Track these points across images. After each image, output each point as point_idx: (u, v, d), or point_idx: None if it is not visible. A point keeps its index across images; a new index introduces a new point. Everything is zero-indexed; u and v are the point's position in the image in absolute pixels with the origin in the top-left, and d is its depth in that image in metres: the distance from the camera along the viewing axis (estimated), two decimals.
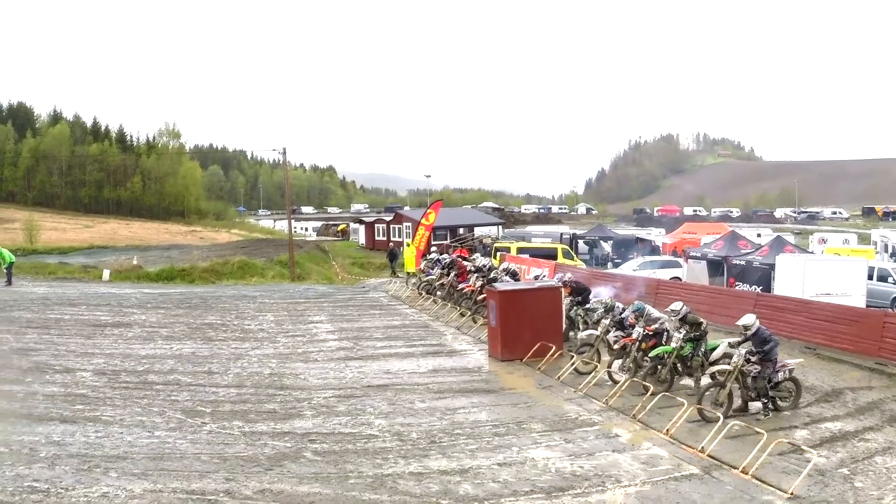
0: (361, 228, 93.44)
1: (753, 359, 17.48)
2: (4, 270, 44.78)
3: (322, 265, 63.87)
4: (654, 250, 65.32)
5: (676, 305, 20.26)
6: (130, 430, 15.98)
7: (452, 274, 36.84)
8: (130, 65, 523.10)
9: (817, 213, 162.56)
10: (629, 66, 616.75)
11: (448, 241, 77.85)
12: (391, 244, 67.17)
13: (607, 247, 67.67)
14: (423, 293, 39.32)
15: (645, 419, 17.10)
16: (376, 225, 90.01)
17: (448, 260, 40.14)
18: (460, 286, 34.77)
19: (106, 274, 49.51)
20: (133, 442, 15.09)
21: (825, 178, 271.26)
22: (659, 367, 19.90)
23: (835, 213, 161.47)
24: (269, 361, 23.78)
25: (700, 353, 19.71)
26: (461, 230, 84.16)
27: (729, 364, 17.91)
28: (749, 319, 17.89)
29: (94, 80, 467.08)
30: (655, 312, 21.56)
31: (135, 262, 55.21)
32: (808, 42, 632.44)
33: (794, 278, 34.06)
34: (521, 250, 55.71)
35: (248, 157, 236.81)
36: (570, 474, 13.84)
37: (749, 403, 17.88)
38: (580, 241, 70.67)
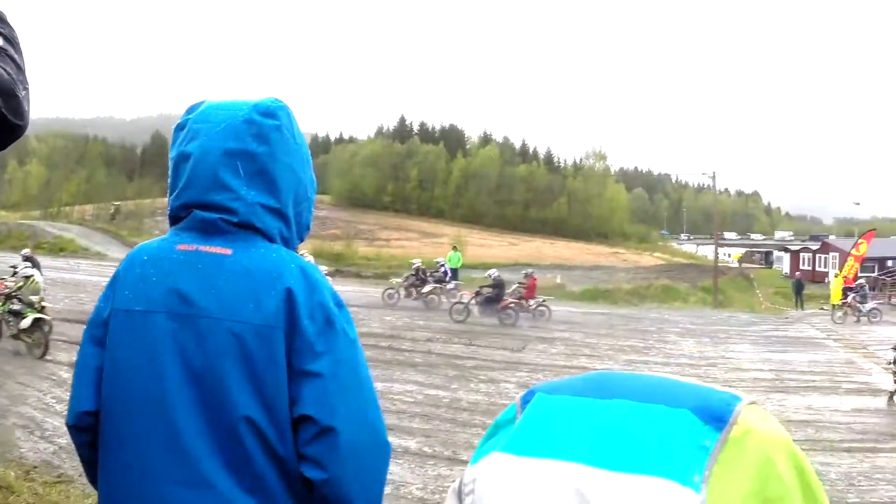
0: (786, 256, 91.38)
1: None
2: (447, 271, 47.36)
3: (745, 293, 62.88)
4: None
5: None
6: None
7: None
8: (557, 91, 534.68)
9: None
10: None
11: (875, 273, 74.85)
12: (797, 273, 64.98)
13: None
14: None
15: None
16: (801, 254, 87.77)
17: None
18: None
19: None
20: None
21: None
22: None
23: None
24: None
25: None
26: (890, 262, 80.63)
27: None
28: None
29: (523, 104, 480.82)
30: None
31: (558, 281, 56.26)
32: None
33: None
34: None
35: (673, 181, 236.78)
36: None
37: None
38: None
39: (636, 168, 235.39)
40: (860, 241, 56.87)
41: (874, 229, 70.38)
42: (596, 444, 1.10)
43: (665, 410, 1.11)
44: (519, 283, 37.07)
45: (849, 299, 43.76)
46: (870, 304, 43.66)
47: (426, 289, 38.89)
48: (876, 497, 14.48)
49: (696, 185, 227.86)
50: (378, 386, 2.94)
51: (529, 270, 38.72)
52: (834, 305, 47.35)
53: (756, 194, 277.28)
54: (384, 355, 24.71)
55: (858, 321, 42.39)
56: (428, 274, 41.22)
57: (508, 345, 29.13)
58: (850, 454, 17.28)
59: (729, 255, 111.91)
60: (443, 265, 42.64)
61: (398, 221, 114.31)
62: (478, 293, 34.48)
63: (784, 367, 28.41)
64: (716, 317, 44.31)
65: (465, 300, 34.59)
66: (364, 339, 3.18)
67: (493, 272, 35.89)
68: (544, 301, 36.53)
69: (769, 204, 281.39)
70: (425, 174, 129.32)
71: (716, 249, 63.46)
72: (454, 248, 52.72)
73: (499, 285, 34.55)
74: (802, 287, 57.62)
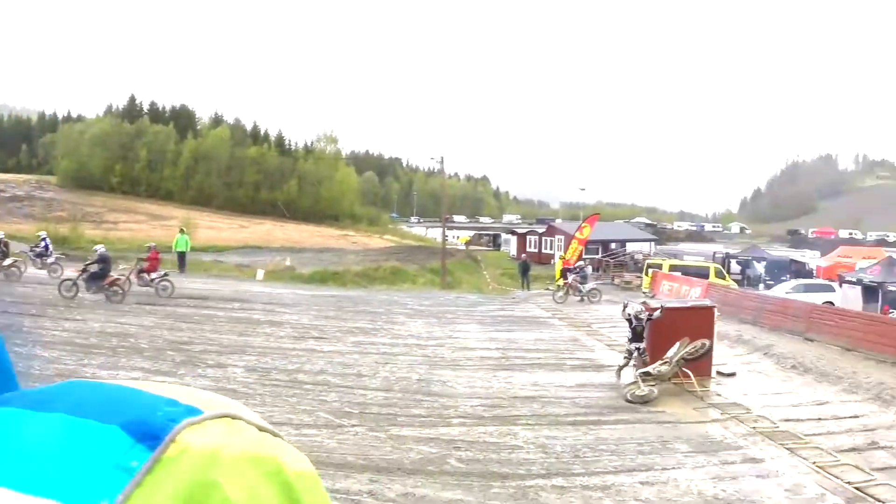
0: (513, 239, 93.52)
1: None
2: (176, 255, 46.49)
3: (473, 274, 64.10)
4: (808, 273, 64.20)
5: None
6: (279, 427, 16.10)
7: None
8: (291, 72, 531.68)
9: None
10: (788, 82, 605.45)
11: (600, 255, 77.59)
12: (524, 255, 66.72)
13: (760, 268, 66.58)
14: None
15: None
16: (528, 237, 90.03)
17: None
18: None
19: (260, 273, 50.43)
20: None
21: None
22: None
23: None
24: (418, 367, 23.98)
25: None
26: (613, 245, 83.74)
27: None
28: None
29: (255, 86, 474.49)
30: None
31: (288, 263, 56.09)
32: None
33: None
34: (673, 268, 55.27)
35: (404, 165, 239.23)
36: (711, 497, 13.77)
37: None
38: (733, 261, 69.83)
39: (367, 151, 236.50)
40: (584, 224, 58.67)
41: (598, 213, 72.74)
42: (16, 462, 1.00)
43: (95, 426, 0.99)
44: (139, 257, 36.77)
45: (569, 279, 45.16)
46: (589, 285, 45.28)
47: (6, 262, 37.83)
48: (600, 467, 15.10)
49: (426, 170, 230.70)
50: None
51: (152, 244, 38.10)
52: (558, 286, 48.89)
53: (485, 179, 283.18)
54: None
55: (582, 300, 43.87)
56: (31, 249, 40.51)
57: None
58: (575, 427, 17.96)
59: (457, 238, 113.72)
60: (44, 238, 41.41)
61: (126, 203, 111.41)
62: (84, 270, 33.68)
63: (510, 345, 29.18)
64: (444, 297, 45.02)
65: (73, 276, 33.79)
66: None
67: (100, 248, 34.72)
68: (166, 275, 36.18)
69: (498, 188, 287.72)
70: (155, 155, 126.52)
71: (444, 232, 64.22)
72: (182, 230, 51.69)
73: (104, 260, 33.67)
74: (528, 268, 59.03)
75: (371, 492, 12.87)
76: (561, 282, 47.27)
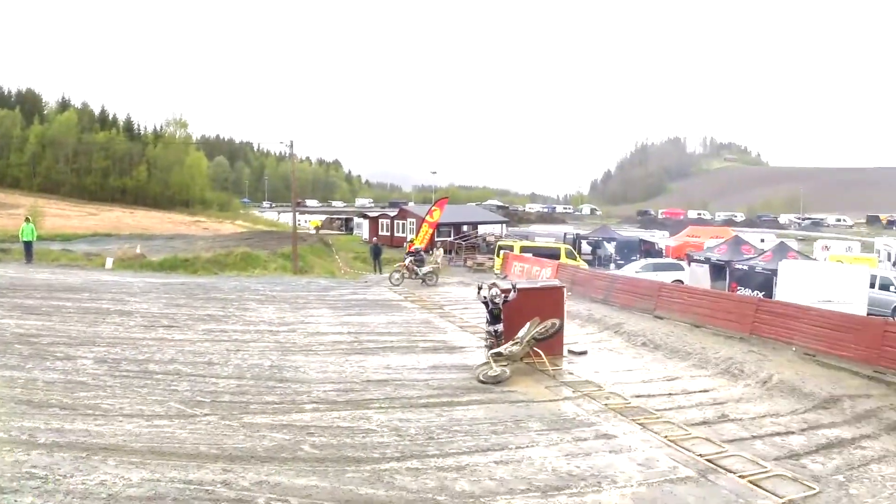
0: (365, 223, 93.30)
1: None
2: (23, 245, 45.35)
3: (325, 259, 63.81)
4: (657, 253, 65.45)
5: None
6: (130, 418, 16.03)
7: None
8: (139, 55, 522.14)
9: (821, 219, 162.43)
10: (638, 68, 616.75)
11: (452, 237, 77.96)
12: (375, 239, 66.73)
13: (610, 248, 67.73)
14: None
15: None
16: (380, 220, 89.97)
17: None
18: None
19: (109, 262, 49.49)
20: (132, 431, 15.12)
21: (830, 186, 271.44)
22: None
23: (839, 220, 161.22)
24: (270, 354, 23.79)
25: None
26: (465, 227, 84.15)
27: None
28: None
29: (103, 69, 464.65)
30: None
31: (138, 251, 55.16)
32: (819, 49, 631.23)
33: (797, 284, 34.11)
34: (524, 249, 55.84)
35: (255, 149, 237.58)
36: (565, 474, 13.91)
37: None
38: (584, 242, 70.81)
39: (218, 136, 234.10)
40: (433, 208, 58.94)
41: (446, 197, 73.14)
42: None
43: None
44: None
45: (406, 262, 45.51)
46: (426, 268, 45.51)
47: None
48: (455, 448, 15.15)
49: (277, 154, 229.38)
50: None
51: None
52: (395, 269, 49.15)
53: (337, 163, 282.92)
54: None
55: (424, 283, 44.12)
56: None
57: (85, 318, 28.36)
58: (429, 409, 18.02)
59: (307, 222, 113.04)
60: None
61: None
62: None
63: (363, 329, 29.14)
64: (296, 283, 44.72)
65: None
66: None
67: None
68: None
69: (350, 172, 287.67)
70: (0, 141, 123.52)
71: (294, 216, 63.77)
72: (27, 219, 50.44)
73: None
74: (380, 252, 58.93)
75: (225, 481, 12.71)
76: (397, 265, 47.68)
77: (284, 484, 12.81)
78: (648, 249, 66.22)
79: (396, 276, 44.97)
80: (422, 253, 48.11)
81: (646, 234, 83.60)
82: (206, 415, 16.68)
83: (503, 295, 23.52)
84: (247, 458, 14.00)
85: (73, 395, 17.64)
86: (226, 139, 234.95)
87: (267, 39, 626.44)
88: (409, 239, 67.13)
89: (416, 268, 45.19)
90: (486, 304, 23.59)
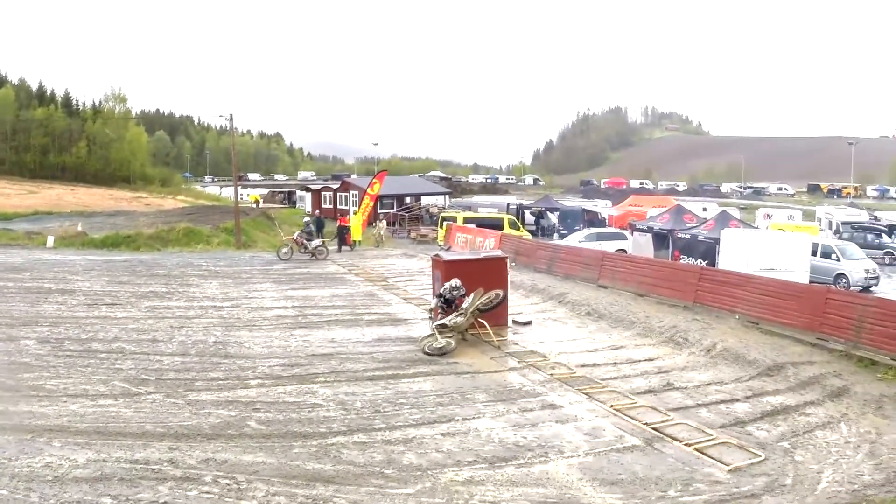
0: (308, 196, 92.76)
1: None
2: None
3: (268, 232, 63.49)
4: (601, 222, 65.72)
5: None
6: (74, 398, 15.96)
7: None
8: (76, 28, 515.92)
9: (763, 188, 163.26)
10: (578, 38, 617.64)
11: (395, 209, 77.89)
12: (317, 212, 66.27)
13: (554, 218, 67.93)
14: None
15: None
16: (323, 193, 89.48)
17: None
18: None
19: (50, 240, 49.03)
20: (77, 411, 15.07)
21: (772, 154, 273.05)
22: None
23: (780, 188, 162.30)
24: (214, 330, 23.73)
25: None
26: (408, 199, 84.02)
27: None
28: None
29: (40, 43, 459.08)
30: None
31: (79, 229, 54.58)
32: (758, 18, 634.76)
33: (739, 253, 34.40)
34: (467, 220, 55.92)
35: (196, 123, 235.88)
36: (512, 444, 13.99)
37: None
38: (527, 212, 70.88)
39: (158, 110, 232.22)
40: (374, 181, 58.71)
41: (386, 170, 72.85)
42: None
43: None
44: None
45: (295, 236, 45.51)
46: (316, 241, 45.44)
47: None
48: (401, 421, 15.22)
49: (218, 128, 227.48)
50: None
51: None
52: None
53: (279, 136, 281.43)
54: None
55: (314, 257, 44.00)
56: None
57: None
58: (374, 382, 18.08)
59: (248, 196, 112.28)
60: None
61: None
62: None
63: (307, 303, 29.14)
64: (239, 257, 44.52)
65: None
66: None
67: None
68: None
69: (291, 145, 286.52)
70: None
71: (235, 190, 63.22)
72: None
73: None
74: (323, 225, 58.47)
75: (171, 460, 12.69)
76: (285, 238, 47.73)
77: (231, 461, 12.81)
78: (591, 219, 66.51)
79: (284, 250, 44.79)
80: (311, 226, 48.16)
81: (589, 204, 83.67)
82: (150, 393, 16.64)
83: (459, 292, 23.26)
84: (193, 436, 13.98)
85: (16, 377, 17.55)
86: (166, 113, 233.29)
87: (205, 10, 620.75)
88: (353, 211, 66.78)
89: (305, 241, 45.10)
90: (440, 296, 23.46)
